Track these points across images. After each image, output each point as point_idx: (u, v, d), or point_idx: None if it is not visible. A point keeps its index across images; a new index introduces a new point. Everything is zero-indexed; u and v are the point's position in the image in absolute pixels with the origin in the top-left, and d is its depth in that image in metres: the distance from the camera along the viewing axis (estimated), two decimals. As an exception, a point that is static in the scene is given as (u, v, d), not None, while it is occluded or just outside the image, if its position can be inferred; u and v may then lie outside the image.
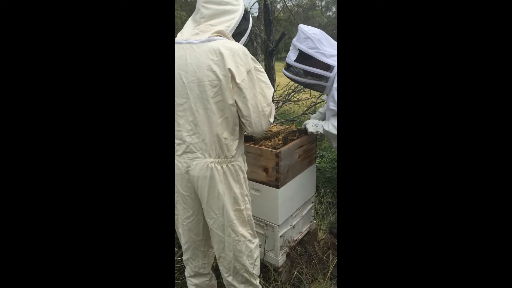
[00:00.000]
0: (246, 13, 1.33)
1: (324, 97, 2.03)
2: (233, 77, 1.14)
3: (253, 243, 1.35)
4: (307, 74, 1.74)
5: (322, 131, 1.80)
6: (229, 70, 1.12)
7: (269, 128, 1.99)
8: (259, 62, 3.79)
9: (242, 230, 1.30)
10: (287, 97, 3.29)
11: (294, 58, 1.71)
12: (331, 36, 1.81)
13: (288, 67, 1.77)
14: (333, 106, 1.73)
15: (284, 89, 3.50)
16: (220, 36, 1.21)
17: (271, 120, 1.28)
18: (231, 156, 1.23)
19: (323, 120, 2.02)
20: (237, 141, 1.24)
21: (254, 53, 3.82)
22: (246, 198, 1.30)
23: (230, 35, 1.25)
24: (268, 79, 1.26)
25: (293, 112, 3.80)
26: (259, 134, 1.30)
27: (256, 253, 1.38)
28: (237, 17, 1.26)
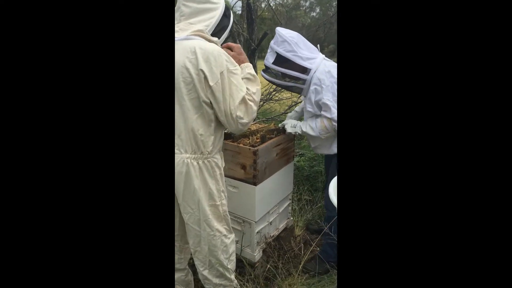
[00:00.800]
0: (226, 10, 1.35)
1: (302, 97, 2.08)
2: (206, 78, 1.16)
3: (229, 238, 1.38)
4: (284, 76, 1.79)
5: (300, 132, 1.85)
6: (201, 71, 1.15)
7: (248, 126, 2.02)
8: (242, 60, 3.79)
9: (217, 225, 1.33)
10: (268, 96, 3.33)
11: (272, 60, 1.75)
12: (313, 37, 1.87)
13: (266, 69, 1.81)
14: (310, 108, 1.79)
15: (265, 88, 3.54)
16: (198, 35, 1.23)
17: (245, 120, 1.24)
18: (207, 152, 1.25)
19: (299, 119, 2.07)
20: (213, 137, 1.26)
21: (236, 51, 3.83)
22: (222, 194, 1.33)
23: (209, 34, 1.27)
24: (241, 80, 1.26)
25: (274, 111, 3.85)
26: (236, 133, 1.32)
27: (232, 248, 1.41)
28: (217, 15, 1.28)
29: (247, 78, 1.31)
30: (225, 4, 1.35)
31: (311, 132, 1.80)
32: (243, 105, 1.23)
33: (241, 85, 1.24)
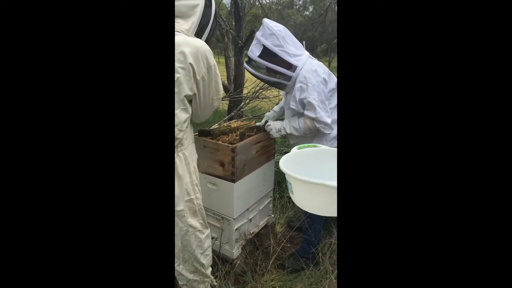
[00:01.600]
0: (206, 8, 1.33)
1: (282, 93, 2.07)
2: (194, 72, 1.19)
3: (203, 233, 1.39)
4: (269, 71, 1.75)
5: (285, 133, 1.86)
6: (191, 65, 1.17)
7: (228, 123, 2.02)
8: (229, 58, 3.80)
9: (191, 220, 1.34)
10: (255, 93, 3.33)
11: (258, 53, 1.69)
12: (302, 36, 1.86)
13: (250, 60, 1.76)
14: (294, 105, 1.78)
15: (253, 85, 3.54)
16: (180, 32, 1.23)
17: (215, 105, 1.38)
18: (180, 145, 1.27)
19: (278, 119, 2.07)
20: (188, 129, 1.29)
21: (225, 48, 3.83)
22: (196, 187, 1.34)
23: (192, 35, 1.28)
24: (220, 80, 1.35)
25: (260, 109, 3.86)
26: (202, 121, 1.40)
27: (207, 243, 1.42)
28: (195, 19, 1.27)
29: None
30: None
31: (295, 133, 1.81)
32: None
33: (220, 83, 1.35)
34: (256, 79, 1.98)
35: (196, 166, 1.36)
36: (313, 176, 0.96)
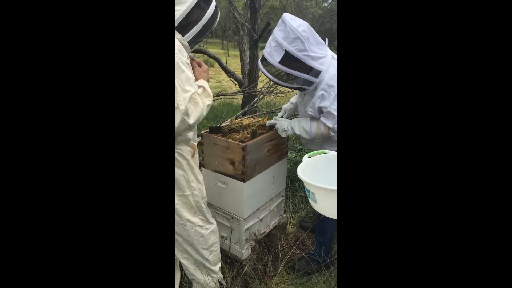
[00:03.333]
0: (203, 2, 1.25)
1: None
2: None
3: (207, 228, 1.37)
4: (290, 76, 1.57)
5: (292, 133, 1.76)
6: None
7: (240, 120, 1.96)
8: (244, 51, 3.71)
9: (188, 215, 1.32)
10: (269, 89, 3.25)
11: (279, 58, 1.49)
12: (320, 28, 1.73)
13: (264, 60, 1.59)
14: (312, 112, 1.66)
15: (267, 79, 3.46)
16: None
17: (191, 121, 1.15)
18: None
19: (289, 117, 1.97)
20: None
21: (240, 41, 3.75)
22: (192, 184, 1.31)
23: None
24: (193, 80, 1.20)
25: (275, 104, 3.77)
26: (178, 132, 1.17)
27: (212, 239, 1.40)
28: (182, 9, 1.20)
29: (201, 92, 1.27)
30: None
31: (304, 135, 1.72)
32: (192, 102, 1.17)
33: (192, 82, 1.18)
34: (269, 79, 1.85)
35: (193, 164, 1.33)
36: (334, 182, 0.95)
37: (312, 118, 1.71)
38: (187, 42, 1.27)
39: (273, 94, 3.35)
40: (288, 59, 1.50)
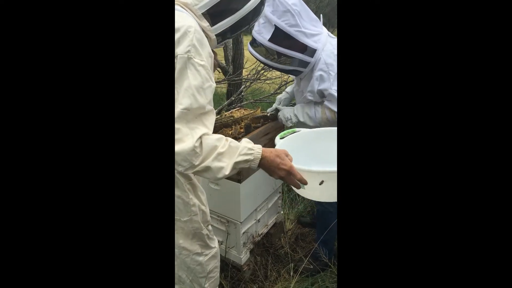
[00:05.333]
0: None
1: (293, 76, 1.79)
2: None
3: (205, 255, 1.17)
4: (281, 56, 1.40)
5: (296, 121, 1.58)
6: None
7: (230, 113, 1.78)
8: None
9: (183, 242, 1.11)
10: (256, 75, 3.06)
11: (268, 36, 1.34)
12: (317, 11, 1.55)
13: (255, 43, 1.42)
14: (311, 96, 1.49)
15: (253, 66, 3.26)
16: (183, 6, 0.94)
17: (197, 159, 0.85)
18: None
19: (290, 102, 1.81)
20: None
21: (221, 25, 3.50)
22: (192, 208, 1.09)
23: (201, 12, 0.94)
24: (207, 87, 0.88)
25: (263, 91, 3.59)
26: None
27: (211, 265, 1.20)
28: None
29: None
30: None
31: (309, 122, 1.54)
32: (198, 121, 0.85)
33: (195, 93, 0.85)
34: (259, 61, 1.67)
35: (196, 182, 1.11)
36: (315, 160, 0.98)
37: (316, 103, 1.53)
38: (215, 35, 0.99)
39: (260, 81, 3.17)
40: (279, 36, 1.34)
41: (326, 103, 1.48)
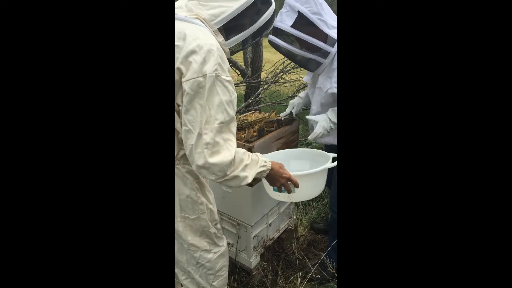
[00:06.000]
0: (259, 4, 1.00)
1: (306, 78, 1.75)
2: (180, 75, 0.90)
3: (214, 252, 1.19)
4: (303, 45, 1.38)
5: (334, 127, 1.45)
6: (178, 69, 0.89)
7: (245, 116, 1.78)
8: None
9: (192, 239, 1.14)
10: (274, 78, 3.05)
11: (291, 22, 1.34)
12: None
13: (277, 33, 1.39)
14: (336, 87, 1.42)
15: (271, 68, 3.25)
16: (203, 21, 0.96)
17: (210, 159, 0.91)
18: (176, 158, 1.06)
19: (304, 107, 1.77)
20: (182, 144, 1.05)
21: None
22: (200, 206, 1.11)
23: (217, 27, 0.97)
24: (232, 99, 0.95)
25: (281, 94, 3.57)
26: (194, 168, 0.95)
27: (220, 263, 1.22)
28: (235, 7, 0.96)
29: None
30: None
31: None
32: (221, 137, 0.92)
33: (227, 107, 0.92)
34: (276, 61, 1.65)
35: (203, 181, 1.14)
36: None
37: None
38: (228, 48, 1.03)
39: (278, 83, 3.15)
40: (302, 22, 1.35)
41: None
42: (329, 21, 1.38)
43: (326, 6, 1.40)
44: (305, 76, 1.78)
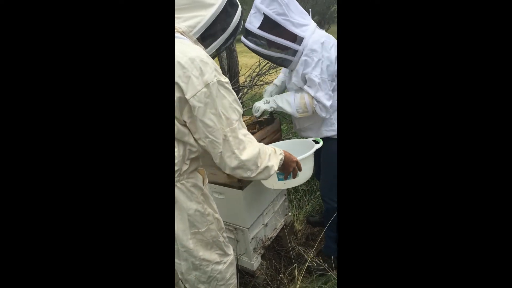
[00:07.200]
0: (230, 7, 1.04)
1: (284, 71, 1.82)
2: (181, 92, 0.91)
3: (224, 263, 1.19)
4: (271, 45, 1.47)
5: (275, 107, 1.60)
6: (177, 84, 0.90)
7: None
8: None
9: (204, 254, 1.13)
10: (251, 81, 3.09)
11: (258, 24, 1.42)
12: (309, 8, 1.59)
13: (248, 34, 1.48)
14: (296, 81, 1.54)
15: (248, 72, 3.29)
16: (182, 33, 0.98)
17: (242, 157, 0.97)
18: (179, 176, 1.05)
19: (280, 92, 1.81)
20: (189, 161, 1.06)
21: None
22: (208, 218, 1.12)
23: (195, 38, 1.01)
24: (236, 97, 1.00)
25: (261, 96, 3.62)
26: (229, 171, 1.00)
27: (230, 272, 1.23)
28: (208, 14, 0.99)
29: None
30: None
31: (287, 108, 1.57)
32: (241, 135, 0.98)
33: (237, 102, 0.98)
34: (251, 64, 1.71)
35: (207, 192, 1.14)
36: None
37: (297, 90, 1.58)
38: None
39: (257, 86, 3.20)
40: (268, 24, 1.42)
41: (305, 87, 1.51)
42: (296, 20, 1.43)
43: (294, 5, 1.45)
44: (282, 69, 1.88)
